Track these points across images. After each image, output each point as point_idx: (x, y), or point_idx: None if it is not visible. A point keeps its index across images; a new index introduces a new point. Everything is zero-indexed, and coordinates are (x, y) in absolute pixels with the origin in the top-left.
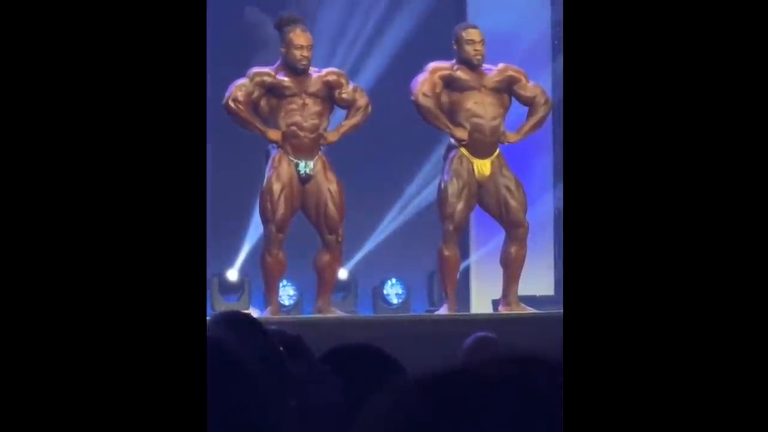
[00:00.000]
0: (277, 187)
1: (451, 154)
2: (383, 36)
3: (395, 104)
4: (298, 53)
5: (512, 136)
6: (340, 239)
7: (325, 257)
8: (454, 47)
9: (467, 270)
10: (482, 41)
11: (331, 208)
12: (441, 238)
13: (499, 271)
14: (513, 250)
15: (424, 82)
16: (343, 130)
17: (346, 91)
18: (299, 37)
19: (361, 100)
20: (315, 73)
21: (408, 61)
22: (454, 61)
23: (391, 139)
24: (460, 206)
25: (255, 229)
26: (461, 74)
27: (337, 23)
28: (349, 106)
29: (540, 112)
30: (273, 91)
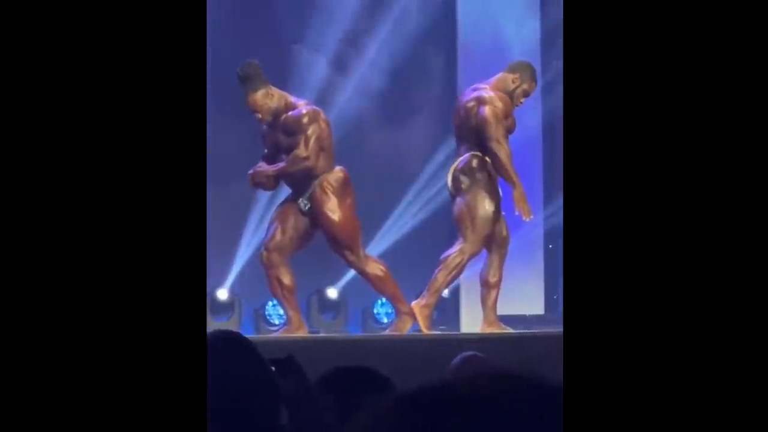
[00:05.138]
0: (278, 219)
1: (485, 172)
2: (373, 50)
3: (388, 124)
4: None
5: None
6: (350, 258)
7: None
8: (515, 77)
9: (457, 289)
10: None
11: (332, 236)
12: (462, 253)
13: None
14: (493, 268)
15: (498, 126)
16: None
17: (297, 136)
18: (247, 102)
19: (303, 153)
20: (289, 114)
21: (401, 75)
22: (510, 81)
23: (384, 158)
24: (492, 227)
25: (246, 248)
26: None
27: (330, 29)
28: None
29: None
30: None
